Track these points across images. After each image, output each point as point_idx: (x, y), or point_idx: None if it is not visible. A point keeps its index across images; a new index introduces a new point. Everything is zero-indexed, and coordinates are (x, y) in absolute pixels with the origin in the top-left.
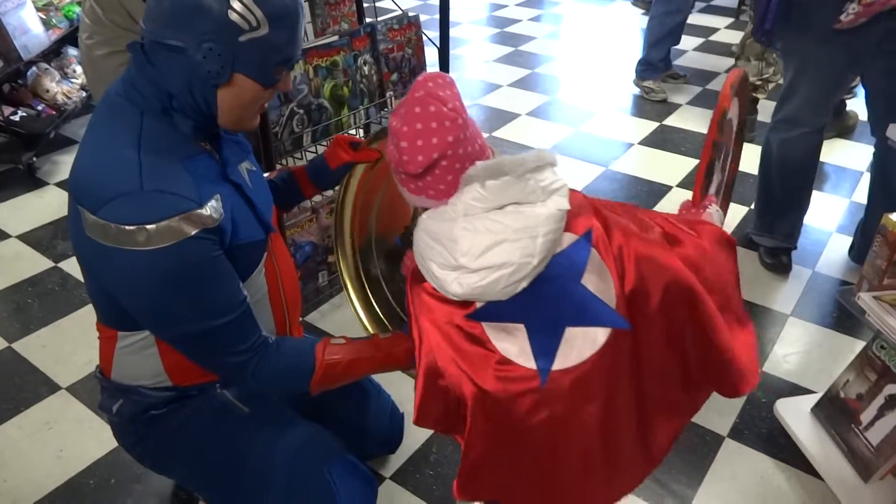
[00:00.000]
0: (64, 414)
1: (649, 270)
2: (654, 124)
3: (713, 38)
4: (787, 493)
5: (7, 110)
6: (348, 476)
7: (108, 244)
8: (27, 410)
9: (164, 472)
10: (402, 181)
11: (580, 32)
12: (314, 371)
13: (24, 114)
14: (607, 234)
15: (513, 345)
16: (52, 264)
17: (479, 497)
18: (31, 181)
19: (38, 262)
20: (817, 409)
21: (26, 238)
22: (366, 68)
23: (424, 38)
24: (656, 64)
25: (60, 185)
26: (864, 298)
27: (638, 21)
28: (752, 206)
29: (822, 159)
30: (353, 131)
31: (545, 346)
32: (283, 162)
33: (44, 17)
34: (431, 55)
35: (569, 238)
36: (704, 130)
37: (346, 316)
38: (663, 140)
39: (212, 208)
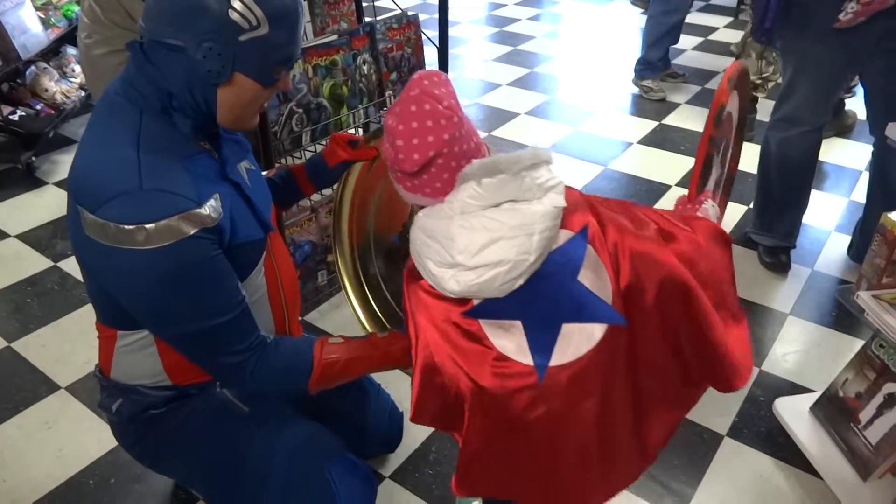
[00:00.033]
0: (63, 413)
1: (644, 267)
2: (653, 123)
3: (712, 37)
4: (785, 492)
5: (6, 110)
6: (348, 474)
7: (107, 243)
8: (26, 410)
9: (164, 471)
10: (398, 179)
11: (579, 31)
12: (312, 370)
13: (23, 113)
14: (602, 231)
15: (510, 341)
16: (52, 264)
17: (477, 492)
18: (30, 181)
19: (37, 262)
20: (816, 408)
21: (25, 237)
22: (365, 67)
23: (423, 37)
24: (655, 63)
25: (59, 184)
26: (863, 297)
27: (637, 20)
28: (751, 205)
29: (820, 158)
30: (352, 130)
31: (542, 342)
32: (283, 161)
33: (42, 16)
34: (430, 54)
35: (565, 235)
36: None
37: (346, 315)
38: (662, 139)
39: (211, 207)
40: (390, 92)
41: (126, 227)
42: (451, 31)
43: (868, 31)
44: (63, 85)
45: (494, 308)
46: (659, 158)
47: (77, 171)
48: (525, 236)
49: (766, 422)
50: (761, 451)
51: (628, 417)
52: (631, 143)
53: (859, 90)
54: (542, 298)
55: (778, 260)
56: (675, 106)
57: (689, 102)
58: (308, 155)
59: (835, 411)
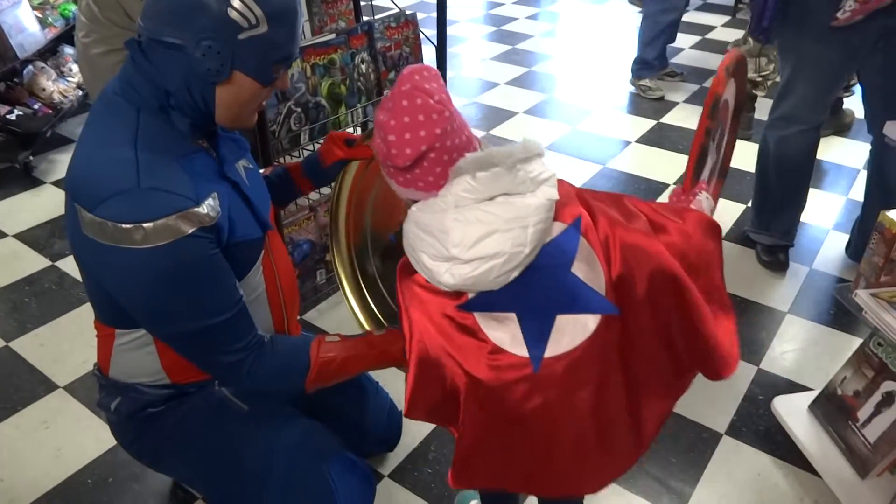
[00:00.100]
0: (61, 413)
1: (634, 258)
2: (652, 122)
3: (710, 35)
4: (784, 491)
5: (3, 109)
6: (347, 473)
7: (104, 242)
8: (24, 409)
9: (163, 469)
10: (391, 174)
11: (577, 30)
12: (309, 369)
13: (21, 112)
14: (594, 223)
15: (505, 333)
16: (49, 263)
17: (473, 485)
18: (28, 180)
19: (34, 261)
20: (814, 407)
21: (23, 237)
22: (363, 66)
23: (422, 36)
24: (651, 62)
25: (57, 183)
26: (862, 295)
27: (634, 19)
28: (750, 204)
29: (819, 157)
30: (350, 129)
31: (537, 333)
32: (281, 160)
33: (40, 15)
34: (429, 53)
35: (558, 227)
36: None
37: (344, 314)
38: (660, 138)
39: (209, 206)
40: (388, 91)
41: (124, 226)
42: (450, 30)
43: (866, 30)
44: (60, 84)
45: (489, 301)
46: (657, 157)
47: (75, 171)
48: (520, 229)
49: (765, 420)
50: (760, 449)
51: (623, 407)
52: (629, 142)
53: (858, 89)
54: (536, 290)
55: (776, 258)
56: (673, 105)
57: (687, 101)
58: (306, 154)
59: (833, 409)
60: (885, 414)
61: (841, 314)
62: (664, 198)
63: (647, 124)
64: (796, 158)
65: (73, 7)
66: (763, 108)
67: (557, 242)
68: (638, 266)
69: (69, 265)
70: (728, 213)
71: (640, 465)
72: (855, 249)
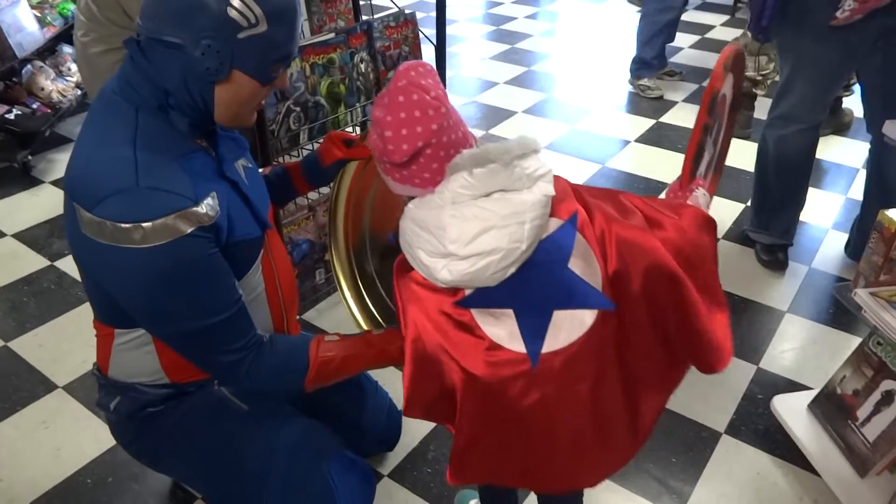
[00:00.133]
0: (61, 413)
1: (630, 254)
2: (651, 121)
3: (709, 35)
4: (783, 490)
5: (2, 108)
6: (347, 471)
7: (103, 242)
8: (23, 410)
9: (162, 469)
10: (387, 171)
11: (576, 30)
12: (308, 368)
13: (19, 112)
14: (590, 218)
15: (502, 329)
16: (48, 263)
17: (471, 481)
18: (27, 180)
19: (33, 261)
20: (814, 406)
21: (22, 237)
22: (362, 66)
23: (421, 35)
24: (650, 61)
25: (56, 183)
26: (861, 295)
27: (633, 19)
28: (749, 203)
29: (818, 156)
30: (349, 129)
31: (534, 329)
32: (280, 159)
33: (38, 14)
34: (428, 52)
35: (554, 223)
36: None
37: (343, 314)
38: (659, 137)
39: (208, 206)
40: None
41: (123, 225)
42: (449, 30)
43: (865, 29)
44: (59, 83)
45: (486, 297)
46: (656, 156)
47: (74, 170)
48: (517, 225)
49: (764, 419)
50: (759, 448)
51: (620, 401)
52: (628, 142)
53: (857, 89)
54: (533, 286)
55: (775, 258)
56: (672, 104)
57: (686, 100)
58: (306, 153)
59: (832, 409)
60: (885, 413)
61: (840, 313)
62: (663, 196)
63: (646, 123)
64: (795, 158)
65: (71, 6)
66: (762, 108)
67: (554, 238)
68: (634, 261)
69: (68, 265)
70: (727, 212)
71: (640, 465)
72: (854, 248)
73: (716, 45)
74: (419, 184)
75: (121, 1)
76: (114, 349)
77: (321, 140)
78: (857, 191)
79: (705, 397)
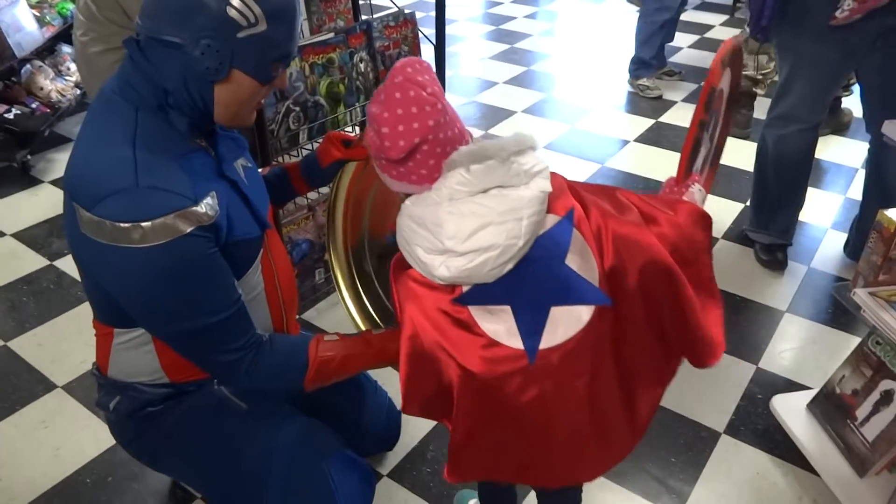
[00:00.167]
0: (60, 412)
1: (626, 250)
2: (650, 121)
3: (708, 35)
4: (783, 489)
5: (1, 108)
6: (346, 471)
7: (103, 241)
8: (23, 409)
9: (162, 468)
10: (384, 168)
11: (575, 30)
12: (308, 368)
13: (19, 111)
14: (586, 215)
15: (500, 325)
16: (48, 262)
17: (469, 478)
18: (26, 179)
19: (33, 261)
20: (813, 405)
21: (21, 236)
22: (362, 65)
23: (420, 35)
24: (649, 61)
25: (55, 183)
26: (860, 294)
27: (632, 18)
28: (748, 203)
29: (817, 156)
30: (349, 129)
31: (531, 325)
32: (280, 159)
33: (37, 14)
34: (427, 52)
35: (551, 219)
36: None
37: (343, 313)
38: (658, 137)
39: (207, 205)
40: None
41: (122, 224)
42: (448, 29)
43: (864, 29)
44: (58, 83)
45: (484, 294)
46: (655, 156)
47: (73, 170)
48: (514, 221)
49: (764, 419)
50: (759, 448)
51: (617, 396)
52: (627, 141)
53: (856, 89)
54: (530, 282)
55: (774, 257)
56: (671, 104)
57: (685, 100)
58: (305, 153)
59: (832, 408)
60: (884, 412)
61: (839, 313)
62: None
63: (645, 123)
64: (795, 157)
65: (70, 6)
66: (762, 107)
67: (551, 234)
68: (630, 257)
69: (67, 264)
70: (726, 212)
71: (640, 465)
72: (853, 248)
73: (715, 45)
74: (416, 180)
75: (120, 0)
76: (113, 349)
77: (320, 140)
78: (857, 190)
79: (705, 397)
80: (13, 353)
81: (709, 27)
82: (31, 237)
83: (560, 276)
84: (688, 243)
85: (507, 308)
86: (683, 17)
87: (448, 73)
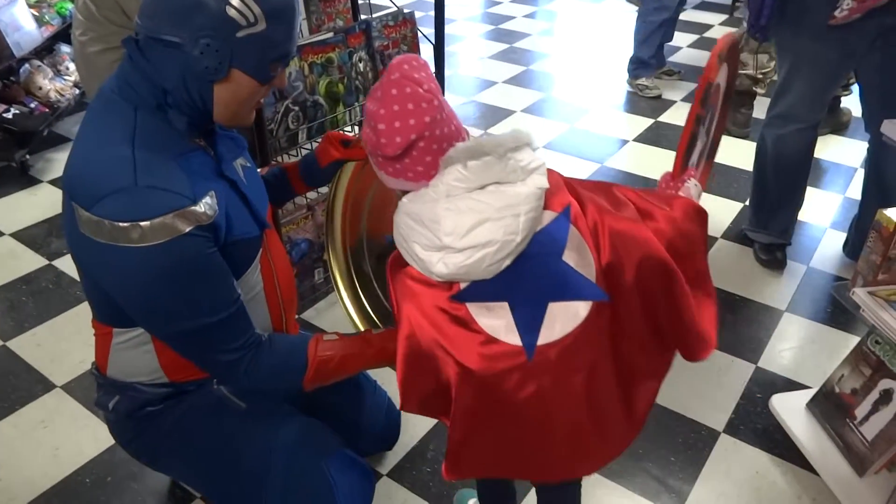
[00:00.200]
0: (59, 412)
1: (623, 246)
2: (649, 121)
3: (707, 34)
4: (782, 488)
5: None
6: (346, 469)
7: (101, 241)
8: (22, 409)
9: (161, 468)
10: (380, 164)
11: (574, 29)
12: (307, 367)
13: (17, 111)
14: (582, 211)
15: (498, 321)
16: (46, 262)
17: (467, 476)
18: (25, 179)
19: (31, 260)
20: (812, 405)
21: (20, 236)
22: (361, 65)
23: (419, 34)
24: (648, 61)
25: (54, 182)
26: (859, 294)
27: (631, 18)
28: (747, 203)
29: (816, 155)
30: (348, 128)
31: (529, 321)
32: (279, 159)
33: (36, 13)
34: (426, 51)
35: (548, 216)
36: None
37: (342, 313)
38: (658, 136)
39: (206, 205)
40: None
41: (121, 224)
42: (447, 29)
43: (863, 28)
44: (57, 83)
45: (481, 290)
46: (654, 156)
47: (72, 169)
48: (511, 217)
49: (763, 418)
50: (758, 447)
51: (614, 391)
52: (627, 141)
53: (856, 88)
54: (528, 278)
55: (774, 257)
56: (670, 103)
57: (684, 100)
58: (304, 153)
59: (831, 407)
60: (883, 412)
61: (838, 312)
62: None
63: (644, 123)
64: (794, 157)
65: (69, 5)
66: (761, 107)
67: (548, 231)
68: (627, 253)
69: (66, 264)
70: (726, 211)
71: (639, 464)
72: (852, 248)
73: (714, 45)
74: (413, 177)
75: (119, 0)
76: (112, 348)
77: (319, 139)
78: (856, 190)
79: (704, 396)
80: (12, 352)
81: (708, 27)
82: (29, 237)
83: (557, 272)
84: (683, 238)
85: (505, 304)
86: (683, 16)
87: (447, 72)
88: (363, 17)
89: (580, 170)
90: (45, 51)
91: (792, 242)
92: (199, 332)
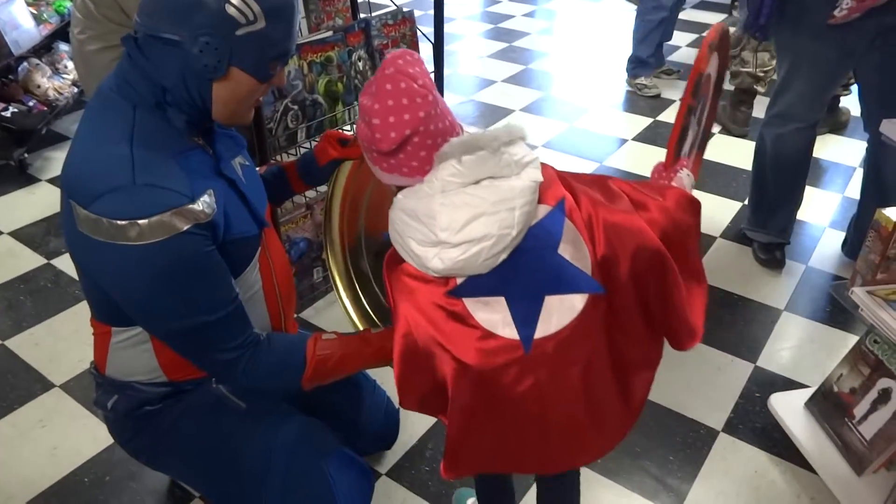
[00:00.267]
0: (57, 412)
1: (618, 237)
2: (648, 120)
3: (706, 33)
4: (781, 488)
5: None
6: (345, 469)
7: (99, 239)
8: (20, 408)
9: (160, 467)
10: (375, 160)
11: (573, 28)
12: (305, 367)
13: (16, 109)
14: (577, 204)
15: (495, 316)
16: (45, 261)
17: (466, 473)
18: (23, 177)
19: (30, 259)
20: (811, 404)
21: (18, 235)
22: (360, 64)
23: (419, 33)
24: (646, 60)
25: (52, 181)
26: (858, 293)
27: (630, 17)
28: (746, 202)
29: (815, 155)
30: (347, 127)
31: (526, 315)
32: (278, 157)
33: (34, 12)
34: (426, 50)
35: (543, 209)
36: None
37: (340, 312)
38: (657, 136)
39: (204, 203)
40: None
41: (119, 222)
42: (446, 28)
43: (863, 27)
44: (55, 81)
45: (478, 285)
46: (654, 155)
47: (70, 167)
48: (507, 211)
49: (762, 417)
50: (756, 446)
51: (611, 382)
52: (626, 140)
53: (855, 88)
54: (524, 272)
55: (772, 256)
56: (669, 102)
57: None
58: (303, 152)
59: (829, 407)
60: (881, 411)
61: (837, 311)
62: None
63: (643, 122)
64: (793, 156)
65: (68, 3)
66: (761, 106)
67: (543, 224)
68: (622, 245)
69: (65, 263)
70: (724, 210)
71: (638, 462)
72: (851, 247)
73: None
74: (407, 173)
75: None
76: (111, 347)
77: (318, 138)
78: (854, 189)
79: (703, 395)
80: (10, 352)
81: (707, 26)
82: (28, 236)
83: (553, 266)
84: (676, 228)
85: (502, 299)
86: (682, 15)
87: (446, 71)
88: (362, 15)
89: (579, 169)
90: (44, 49)
91: (791, 242)
92: (197, 330)
